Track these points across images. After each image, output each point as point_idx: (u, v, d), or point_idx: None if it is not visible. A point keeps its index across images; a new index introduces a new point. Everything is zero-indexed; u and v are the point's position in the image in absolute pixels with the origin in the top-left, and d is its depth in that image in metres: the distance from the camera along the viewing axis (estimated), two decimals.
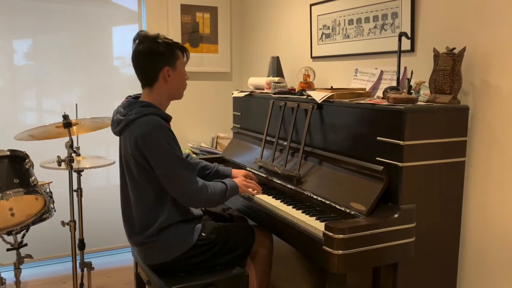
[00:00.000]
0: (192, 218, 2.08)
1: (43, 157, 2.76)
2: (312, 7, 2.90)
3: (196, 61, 3.70)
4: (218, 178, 2.26)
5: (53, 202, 2.67)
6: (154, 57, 1.98)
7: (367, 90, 2.28)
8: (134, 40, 2.02)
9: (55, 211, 2.66)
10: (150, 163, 1.92)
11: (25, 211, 2.50)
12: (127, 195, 2.06)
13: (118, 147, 2.12)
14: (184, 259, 2.02)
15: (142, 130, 1.91)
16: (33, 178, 2.46)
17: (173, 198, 2.00)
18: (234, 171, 2.41)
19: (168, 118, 2.03)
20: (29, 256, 2.61)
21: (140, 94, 2.11)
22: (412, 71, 2.10)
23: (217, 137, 3.76)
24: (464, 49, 1.90)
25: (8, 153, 2.43)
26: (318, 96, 2.18)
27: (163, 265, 2.04)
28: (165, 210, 1.99)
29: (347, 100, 2.07)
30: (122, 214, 2.12)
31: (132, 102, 2.02)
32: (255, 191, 2.26)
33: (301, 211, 2.02)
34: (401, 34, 2.10)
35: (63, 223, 2.61)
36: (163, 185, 1.96)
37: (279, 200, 2.18)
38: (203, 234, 2.06)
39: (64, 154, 2.49)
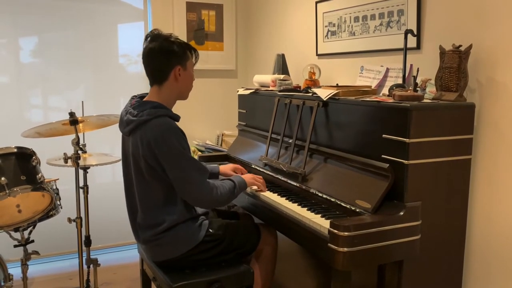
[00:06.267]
0: (199, 215, 2.09)
1: (50, 154, 2.77)
2: (318, 4, 2.90)
3: (201, 58, 3.62)
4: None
5: (60, 199, 2.69)
6: (167, 55, 1.98)
7: (372, 87, 2.27)
8: (146, 38, 2.02)
9: (61, 207, 2.68)
10: (161, 164, 1.91)
11: (32, 207, 2.52)
12: (133, 194, 2.06)
13: (122, 145, 2.12)
14: (191, 255, 2.03)
15: (156, 132, 1.89)
16: (39, 175, 2.47)
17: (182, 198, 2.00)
18: (222, 167, 2.43)
19: (177, 119, 2.02)
20: (36, 253, 2.63)
21: (145, 93, 2.10)
22: (418, 68, 2.09)
23: (223, 135, 3.77)
24: (470, 46, 1.89)
25: (15, 150, 2.44)
26: (324, 93, 2.18)
27: (169, 262, 2.05)
28: (175, 209, 1.99)
29: (353, 98, 2.07)
30: (128, 213, 2.12)
31: (142, 102, 2.00)
32: (260, 189, 2.28)
33: (306, 208, 2.02)
34: (407, 32, 2.09)
35: (69, 220, 2.62)
36: (175, 188, 1.96)
37: (284, 198, 2.18)
38: (211, 231, 2.07)
39: (70, 151, 2.50)
